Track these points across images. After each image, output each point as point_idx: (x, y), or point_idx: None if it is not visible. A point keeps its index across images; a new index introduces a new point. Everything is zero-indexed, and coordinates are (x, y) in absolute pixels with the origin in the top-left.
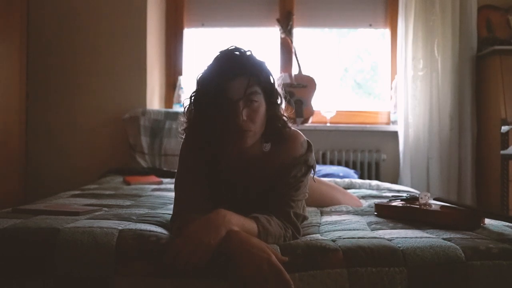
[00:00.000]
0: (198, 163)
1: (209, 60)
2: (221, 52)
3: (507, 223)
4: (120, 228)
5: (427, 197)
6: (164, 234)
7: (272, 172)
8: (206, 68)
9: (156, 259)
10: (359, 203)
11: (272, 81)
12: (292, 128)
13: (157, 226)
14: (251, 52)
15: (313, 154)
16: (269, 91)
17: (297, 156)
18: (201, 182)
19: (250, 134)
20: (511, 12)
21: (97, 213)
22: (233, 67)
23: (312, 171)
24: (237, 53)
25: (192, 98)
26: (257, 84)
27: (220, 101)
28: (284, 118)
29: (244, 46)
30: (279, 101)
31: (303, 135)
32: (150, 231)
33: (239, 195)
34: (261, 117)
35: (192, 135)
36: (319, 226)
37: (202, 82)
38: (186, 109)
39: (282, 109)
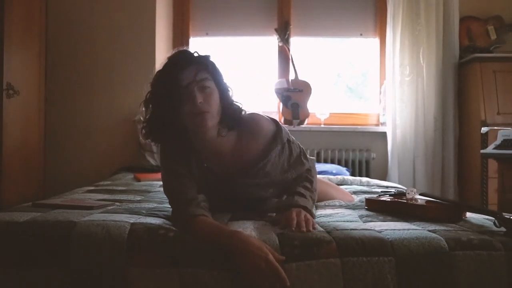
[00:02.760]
0: (179, 163)
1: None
2: (171, 53)
3: (486, 216)
4: (131, 221)
5: (413, 193)
6: (172, 227)
7: (256, 156)
8: (158, 72)
9: (164, 251)
10: (351, 198)
11: (219, 73)
12: (250, 113)
13: (165, 220)
14: (196, 51)
15: (283, 130)
16: (219, 79)
17: (270, 137)
18: (187, 176)
19: (208, 116)
20: (490, 23)
21: (110, 208)
22: (182, 59)
23: (292, 141)
24: (184, 49)
25: (149, 97)
26: (206, 72)
27: (175, 89)
28: (237, 104)
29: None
30: (230, 90)
31: (264, 116)
32: (159, 224)
33: (228, 189)
34: (215, 101)
35: (166, 144)
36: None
37: (157, 79)
38: (144, 110)
39: (231, 96)
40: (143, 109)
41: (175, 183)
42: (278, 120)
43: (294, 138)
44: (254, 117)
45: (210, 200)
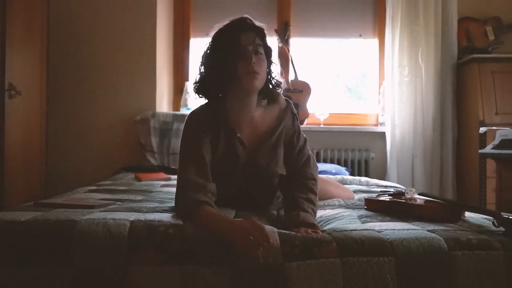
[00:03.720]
0: (202, 142)
1: (222, 22)
2: (231, 19)
3: (485, 216)
4: (131, 219)
5: (412, 192)
6: (172, 223)
7: (267, 129)
8: (216, 32)
9: (165, 248)
10: (351, 195)
11: (270, 48)
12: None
13: (165, 217)
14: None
15: (291, 103)
16: (269, 51)
17: (283, 108)
18: (203, 160)
19: (258, 77)
20: (489, 23)
21: (111, 207)
22: (245, 24)
23: (297, 117)
24: (246, 16)
25: (207, 52)
26: (262, 41)
27: (234, 46)
28: (278, 79)
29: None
30: (276, 67)
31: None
32: (159, 221)
33: (248, 158)
34: (264, 68)
35: (198, 110)
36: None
37: (218, 34)
38: (200, 65)
39: (275, 76)
40: (200, 62)
41: (189, 167)
42: None
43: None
44: (281, 98)
45: (221, 186)
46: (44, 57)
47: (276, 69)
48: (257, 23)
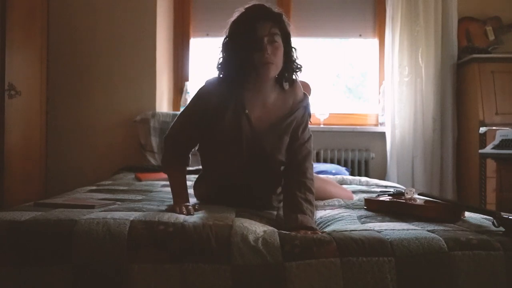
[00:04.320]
0: (201, 110)
1: (237, 12)
2: (249, 4)
3: (485, 216)
4: (131, 218)
5: (412, 192)
6: (172, 222)
7: (281, 116)
8: (237, 15)
9: (165, 246)
10: (350, 195)
11: (289, 33)
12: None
13: (165, 216)
14: (272, 5)
15: (308, 97)
16: (287, 36)
17: (299, 99)
18: (196, 128)
19: (272, 67)
20: (488, 24)
21: (111, 207)
22: (260, 13)
23: (309, 114)
24: (263, 4)
25: (225, 40)
26: (278, 28)
27: (249, 37)
28: (298, 63)
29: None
30: (293, 52)
31: (301, 86)
32: (159, 220)
33: (255, 137)
34: (280, 55)
35: (217, 79)
36: (315, 222)
37: (235, 24)
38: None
39: (295, 61)
40: (220, 49)
41: (181, 132)
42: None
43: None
44: (296, 81)
45: (225, 163)
46: (44, 57)
47: (295, 53)
48: (275, 10)
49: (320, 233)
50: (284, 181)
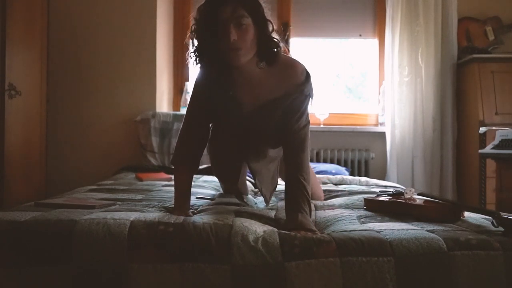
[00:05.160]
0: (204, 100)
1: None
2: None
3: (484, 216)
4: (131, 218)
5: (411, 192)
6: (172, 222)
7: (276, 96)
8: (202, 4)
9: (165, 246)
10: (321, 195)
11: (260, 9)
12: (293, 59)
13: (165, 215)
14: None
15: (310, 83)
16: (257, 16)
17: (298, 83)
18: (203, 120)
19: (241, 53)
20: (488, 24)
21: (112, 207)
22: None
23: (311, 100)
24: None
25: (193, 27)
26: (244, 9)
27: (213, 23)
28: (275, 39)
29: None
30: (269, 27)
31: (301, 65)
32: (159, 220)
33: (247, 116)
34: (250, 37)
35: (201, 74)
36: (315, 223)
37: (199, 11)
38: (190, 37)
39: (272, 32)
40: (190, 37)
41: (188, 133)
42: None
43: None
44: (292, 62)
45: (223, 142)
46: (44, 57)
47: (270, 27)
48: None
49: (319, 234)
50: (285, 176)
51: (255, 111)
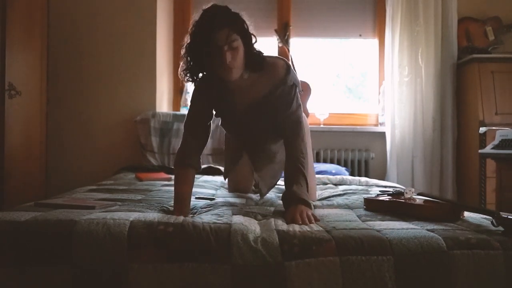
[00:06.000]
0: (203, 104)
1: (196, 16)
2: (204, 10)
3: (484, 216)
4: (131, 218)
5: (411, 192)
6: (172, 222)
7: (264, 94)
8: (195, 23)
9: (165, 246)
10: (314, 196)
11: (246, 28)
12: (274, 57)
13: (164, 216)
14: (227, 7)
15: (292, 73)
16: (245, 35)
17: (281, 77)
18: (203, 121)
19: (234, 70)
20: (488, 24)
21: (112, 208)
22: (217, 22)
23: (297, 89)
24: (219, 9)
25: (187, 47)
26: (235, 32)
27: (210, 48)
28: (258, 50)
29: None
30: (253, 41)
31: (284, 59)
32: (158, 220)
33: (242, 116)
34: (240, 56)
35: (199, 81)
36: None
37: (194, 35)
38: (183, 55)
39: (255, 45)
40: (182, 54)
41: (188, 138)
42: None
43: (300, 101)
44: (273, 62)
45: (230, 133)
46: (44, 57)
47: (254, 40)
48: (230, 13)
49: (318, 218)
50: (285, 158)
51: (248, 109)
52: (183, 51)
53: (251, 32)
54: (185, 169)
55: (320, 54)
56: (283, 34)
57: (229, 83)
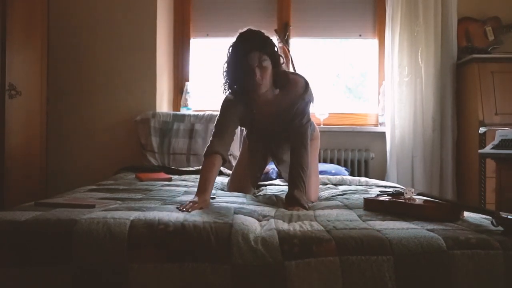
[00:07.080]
0: (232, 112)
1: (233, 39)
2: (240, 34)
3: (484, 216)
4: (131, 218)
5: (411, 192)
6: (172, 222)
7: (285, 107)
8: (232, 44)
9: (165, 246)
10: (316, 197)
11: (276, 50)
12: (296, 74)
13: (165, 215)
14: (260, 32)
15: (309, 91)
16: (274, 56)
17: (300, 94)
18: (231, 125)
19: (262, 86)
20: (488, 24)
21: (111, 206)
22: (250, 46)
23: (312, 103)
24: (253, 35)
25: (225, 65)
26: (266, 54)
27: (243, 67)
28: (284, 69)
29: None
30: (281, 61)
31: (304, 77)
32: (159, 219)
33: (268, 127)
34: (268, 74)
35: (230, 94)
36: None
37: (231, 56)
38: (222, 72)
39: (282, 64)
40: (223, 69)
41: (215, 134)
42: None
43: (310, 116)
44: (294, 79)
45: (255, 137)
46: (44, 57)
47: (281, 60)
48: (262, 37)
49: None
50: (289, 164)
51: (271, 120)
52: (223, 69)
53: (279, 54)
54: (212, 156)
55: (320, 54)
56: (283, 34)
57: (257, 97)
